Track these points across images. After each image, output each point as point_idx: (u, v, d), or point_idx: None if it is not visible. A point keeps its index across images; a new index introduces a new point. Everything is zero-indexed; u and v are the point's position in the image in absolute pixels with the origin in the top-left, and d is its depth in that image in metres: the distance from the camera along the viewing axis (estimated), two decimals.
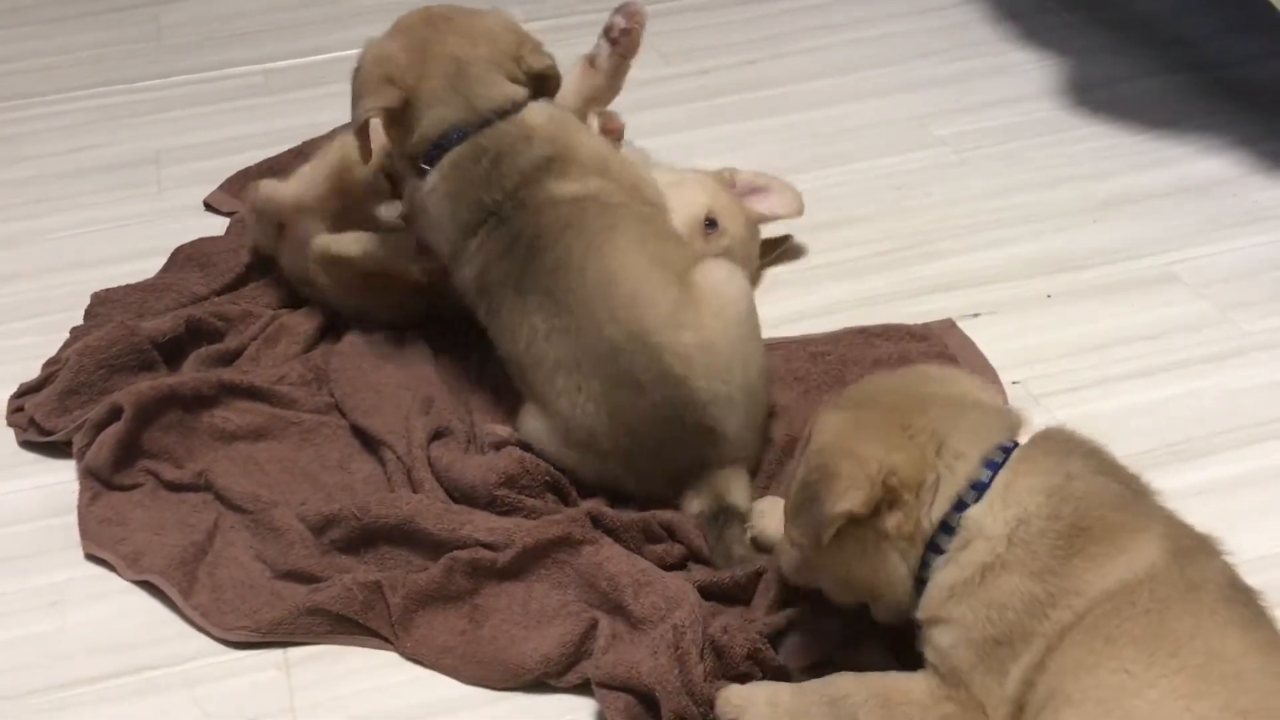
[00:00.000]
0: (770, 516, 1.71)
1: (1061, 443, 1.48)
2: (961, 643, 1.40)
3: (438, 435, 1.94)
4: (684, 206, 2.17)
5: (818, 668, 1.56)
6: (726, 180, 2.32)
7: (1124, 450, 1.87)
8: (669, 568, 1.74)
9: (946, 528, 1.43)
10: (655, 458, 1.80)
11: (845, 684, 1.47)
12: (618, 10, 2.19)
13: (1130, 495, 1.43)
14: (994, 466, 1.44)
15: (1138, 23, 3.09)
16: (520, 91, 1.95)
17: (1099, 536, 1.38)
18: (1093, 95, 2.82)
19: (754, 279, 2.30)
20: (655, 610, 1.63)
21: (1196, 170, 2.55)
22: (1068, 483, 1.42)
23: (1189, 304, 2.17)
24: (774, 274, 2.35)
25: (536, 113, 1.94)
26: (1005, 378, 2.04)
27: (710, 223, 2.21)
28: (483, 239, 1.91)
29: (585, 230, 1.86)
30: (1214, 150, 2.60)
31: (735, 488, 1.81)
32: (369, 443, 1.98)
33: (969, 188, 2.55)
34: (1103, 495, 1.41)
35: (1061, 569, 1.37)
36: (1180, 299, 2.18)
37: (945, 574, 1.42)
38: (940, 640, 1.42)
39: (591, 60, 2.20)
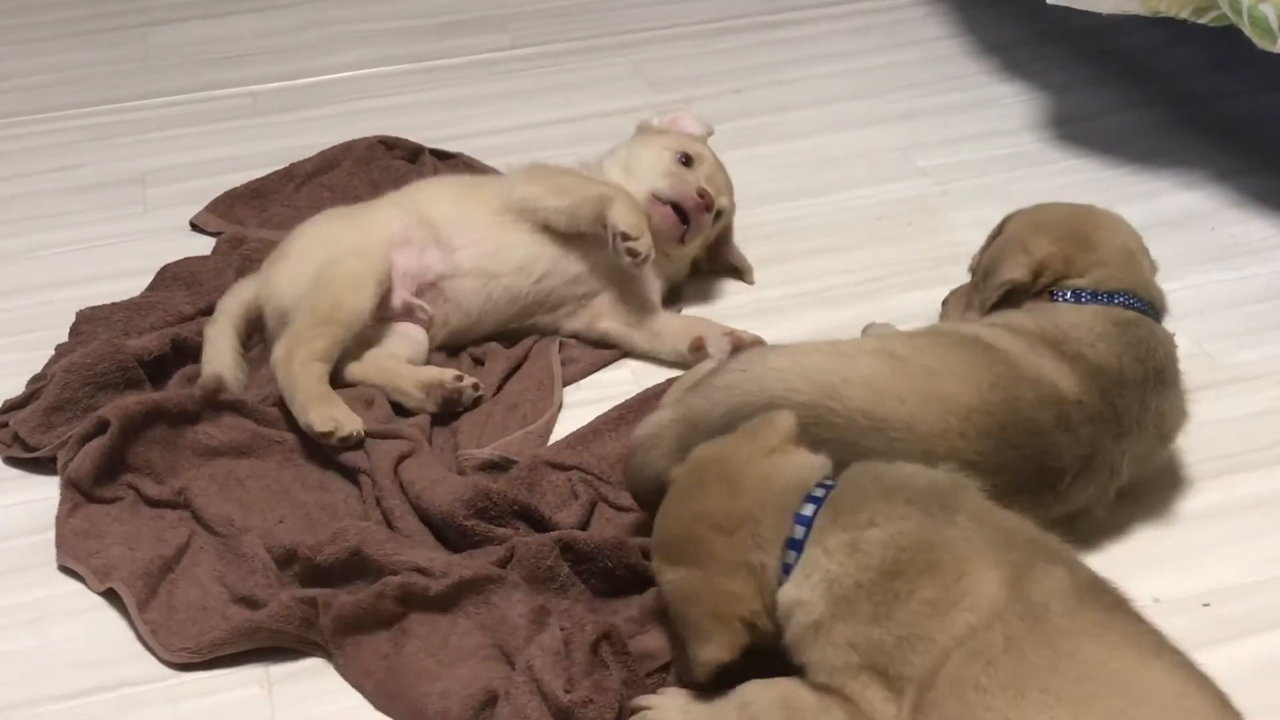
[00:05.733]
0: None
1: (857, 486, 1.52)
2: (822, 672, 1.46)
3: (404, 456, 1.95)
4: (652, 159, 2.31)
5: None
6: (647, 125, 2.44)
7: None
8: None
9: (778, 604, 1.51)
10: None
11: (751, 690, 1.51)
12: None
13: (938, 525, 1.46)
14: (796, 545, 1.50)
15: (1117, 57, 3.13)
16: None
17: (923, 580, 1.42)
18: (1072, 129, 2.85)
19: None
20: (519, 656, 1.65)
21: (1175, 204, 2.58)
22: (866, 532, 1.47)
23: None
24: (757, 300, 2.38)
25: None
26: None
27: (684, 159, 2.32)
28: None
29: None
30: (1192, 184, 2.63)
31: None
32: (344, 468, 2.00)
33: (950, 219, 2.57)
34: (909, 536, 1.45)
35: (899, 615, 1.41)
36: None
37: (788, 636, 1.50)
38: (809, 673, 1.48)
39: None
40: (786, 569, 1.50)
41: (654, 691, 1.61)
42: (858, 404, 1.68)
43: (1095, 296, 1.87)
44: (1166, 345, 1.86)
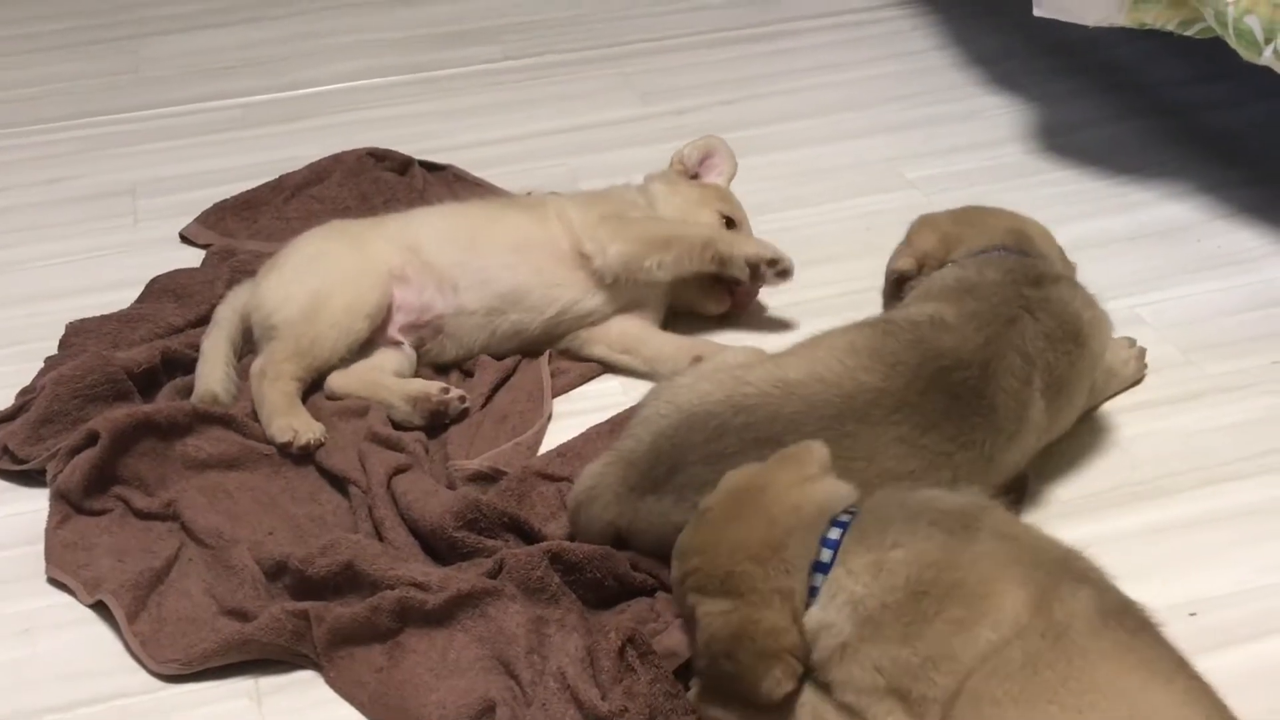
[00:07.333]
0: None
1: (882, 511, 1.53)
2: (849, 691, 1.47)
3: (400, 470, 1.96)
4: (706, 223, 2.36)
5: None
6: (682, 170, 2.47)
7: (1087, 489, 1.93)
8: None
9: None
10: None
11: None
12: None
13: (961, 544, 1.46)
14: (823, 569, 1.51)
15: (1104, 69, 3.14)
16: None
17: (950, 600, 1.42)
18: (1059, 140, 2.86)
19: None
20: (533, 667, 1.65)
21: (1161, 215, 2.58)
22: (890, 553, 1.48)
23: (1153, 346, 2.19)
24: (747, 312, 2.38)
25: None
26: None
27: (730, 223, 2.38)
28: None
29: None
30: (1178, 195, 2.64)
31: None
32: (334, 479, 2.00)
33: None
34: (933, 555, 1.46)
35: (927, 634, 1.42)
36: (1144, 341, 2.20)
37: (816, 656, 1.51)
38: (834, 692, 1.49)
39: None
40: (813, 592, 1.51)
41: (685, 688, 1.61)
42: (765, 380, 1.78)
43: (969, 255, 1.98)
44: (1041, 266, 1.95)
